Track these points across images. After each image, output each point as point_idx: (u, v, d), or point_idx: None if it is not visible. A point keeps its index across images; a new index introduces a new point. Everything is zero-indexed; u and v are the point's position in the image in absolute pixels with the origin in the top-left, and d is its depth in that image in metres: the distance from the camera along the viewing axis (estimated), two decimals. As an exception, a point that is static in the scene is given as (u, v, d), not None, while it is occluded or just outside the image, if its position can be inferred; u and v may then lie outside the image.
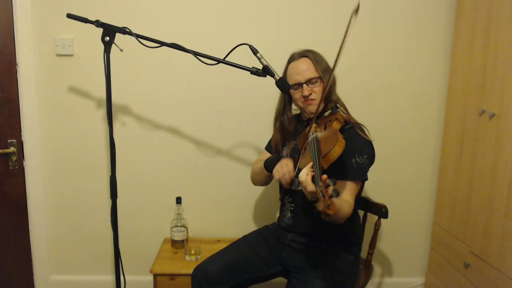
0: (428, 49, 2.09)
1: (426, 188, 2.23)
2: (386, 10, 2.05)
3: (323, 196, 1.08)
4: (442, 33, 2.07)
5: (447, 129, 2.07)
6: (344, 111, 1.51)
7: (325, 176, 1.12)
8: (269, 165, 1.59)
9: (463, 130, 1.90)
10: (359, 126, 1.54)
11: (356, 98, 2.08)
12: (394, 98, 2.13)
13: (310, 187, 1.16)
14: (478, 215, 1.76)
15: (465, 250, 1.85)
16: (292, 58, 1.60)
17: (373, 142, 1.53)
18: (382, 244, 2.27)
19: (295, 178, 1.42)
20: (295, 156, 1.53)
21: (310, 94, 1.54)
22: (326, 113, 1.53)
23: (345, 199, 1.42)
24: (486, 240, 1.70)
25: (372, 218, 1.79)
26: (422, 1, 2.04)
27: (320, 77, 1.53)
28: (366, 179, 1.51)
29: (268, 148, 1.85)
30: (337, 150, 1.27)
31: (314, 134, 1.39)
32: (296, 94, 1.58)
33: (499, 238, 1.62)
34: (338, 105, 1.51)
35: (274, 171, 1.50)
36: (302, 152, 1.46)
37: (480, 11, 1.78)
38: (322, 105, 1.52)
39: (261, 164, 1.67)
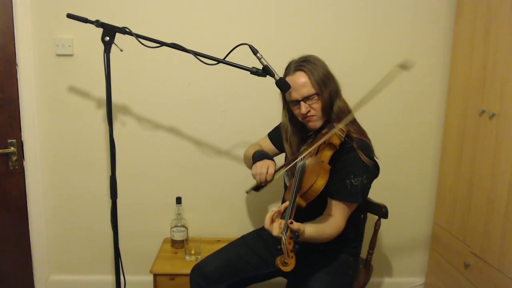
0: (428, 49, 2.09)
1: (426, 188, 2.23)
2: (386, 10, 2.04)
3: (285, 249, 1.05)
4: (442, 33, 2.07)
5: (447, 129, 2.07)
6: (343, 129, 1.36)
7: (289, 224, 1.08)
8: (256, 159, 1.57)
9: (463, 130, 1.90)
10: (361, 144, 1.42)
11: (356, 98, 2.07)
12: (394, 98, 2.13)
13: (276, 232, 1.13)
14: (478, 215, 1.76)
15: (465, 250, 1.85)
16: (287, 72, 1.50)
17: (376, 161, 1.46)
18: (382, 244, 2.27)
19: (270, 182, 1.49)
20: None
21: (309, 111, 1.45)
22: (324, 131, 1.44)
23: (333, 220, 1.37)
24: (486, 240, 1.70)
25: (372, 218, 1.78)
26: (422, 1, 2.04)
27: (317, 93, 1.43)
28: (359, 202, 1.43)
29: (271, 135, 1.80)
30: (317, 188, 1.19)
31: (301, 162, 1.34)
32: (296, 111, 1.50)
33: (499, 238, 1.62)
34: (335, 124, 1.39)
35: (253, 166, 1.53)
36: (290, 175, 1.45)
37: (480, 11, 1.78)
38: (323, 119, 1.48)
39: (254, 150, 1.67)
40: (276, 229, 1.13)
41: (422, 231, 2.27)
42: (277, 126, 1.81)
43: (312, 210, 1.33)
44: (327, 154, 1.32)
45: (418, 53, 2.09)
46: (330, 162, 1.31)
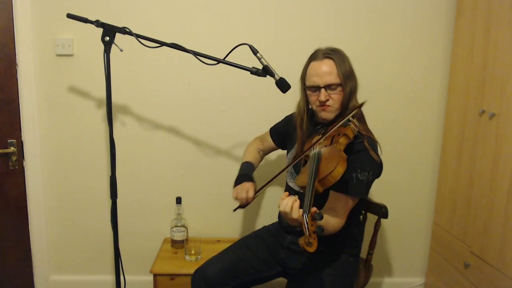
0: (428, 49, 2.09)
1: (426, 188, 2.23)
2: (386, 10, 2.04)
3: (307, 230, 1.05)
4: (442, 33, 2.07)
5: (447, 129, 2.07)
6: (356, 123, 1.38)
7: (314, 208, 1.09)
8: (239, 173, 1.63)
9: (463, 130, 1.90)
10: (370, 141, 1.44)
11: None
12: (394, 98, 2.13)
13: (296, 214, 1.14)
14: (478, 215, 1.76)
15: (465, 250, 1.85)
16: (314, 56, 1.48)
17: (382, 162, 1.46)
18: (382, 244, 2.27)
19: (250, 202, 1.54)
20: (295, 166, 1.54)
21: (327, 100, 1.43)
22: (338, 123, 1.42)
23: (335, 213, 1.37)
24: (486, 240, 1.70)
25: (372, 218, 1.78)
26: (422, 1, 2.04)
27: (340, 84, 1.43)
28: (363, 197, 1.44)
29: (273, 131, 1.81)
30: (336, 175, 1.20)
31: (317, 149, 1.32)
32: (312, 97, 1.48)
33: (499, 238, 1.62)
34: (350, 117, 1.38)
35: (234, 189, 1.57)
36: (302, 163, 1.45)
37: (480, 11, 1.78)
38: (337, 113, 1.48)
39: (248, 151, 1.77)
40: (296, 211, 1.14)
41: (422, 231, 2.27)
42: (280, 121, 1.81)
43: (316, 201, 1.33)
44: (343, 143, 1.33)
45: (418, 53, 2.09)
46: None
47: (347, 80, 1.43)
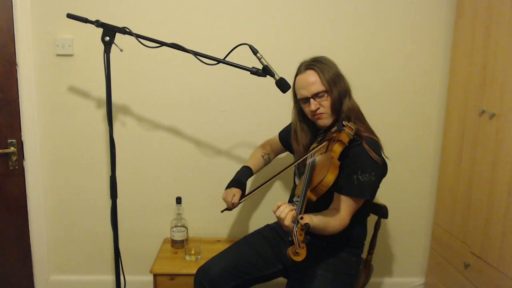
0: (428, 49, 2.09)
1: (426, 188, 2.23)
2: (386, 10, 2.05)
3: (296, 240, 1.09)
4: (442, 33, 2.07)
5: (447, 129, 2.07)
6: (352, 127, 1.40)
7: (303, 220, 1.13)
8: (233, 177, 1.76)
9: (463, 130, 1.90)
10: (370, 142, 1.44)
11: (356, 98, 2.07)
12: (394, 98, 2.13)
13: (288, 221, 1.17)
14: (478, 215, 1.76)
15: (465, 250, 1.85)
16: (299, 70, 1.54)
17: (385, 159, 1.48)
18: (382, 244, 2.27)
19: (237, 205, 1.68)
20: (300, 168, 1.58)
21: (318, 108, 1.48)
22: (333, 129, 1.47)
23: (338, 214, 1.39)
24: (486, 240, 1.70)
25: (372, 218, 1.78)
26: (422, 1, 2.04)
27: (326, 91, 1.47)
28: (366, 198, 1.46)
29: (281, 135, 1.87)
30: (326, 183, 1.22)
31: (312, 159, 1.36)
32: (306, 108, 1.54)
33: (499, 238, 1.62)
34: (344, 122, 1.41)
35: (224, 191, 1.72)
36: (303, 170, 1.47)
37: (480, 11, 1.78)
38: (333, 117, 1.51)
39: (253, 156, 1.87)
40: (288, 219, 1.17)
41: (422, 231, 2.27)
42: (288, 125, 1.84)
43: (321, 202, 1.35)
44: (337, 150, 1.34)
45: (418, 53, 2.09)
46: (340, 159, 1.32)
47: (333, 85, 1.47)
